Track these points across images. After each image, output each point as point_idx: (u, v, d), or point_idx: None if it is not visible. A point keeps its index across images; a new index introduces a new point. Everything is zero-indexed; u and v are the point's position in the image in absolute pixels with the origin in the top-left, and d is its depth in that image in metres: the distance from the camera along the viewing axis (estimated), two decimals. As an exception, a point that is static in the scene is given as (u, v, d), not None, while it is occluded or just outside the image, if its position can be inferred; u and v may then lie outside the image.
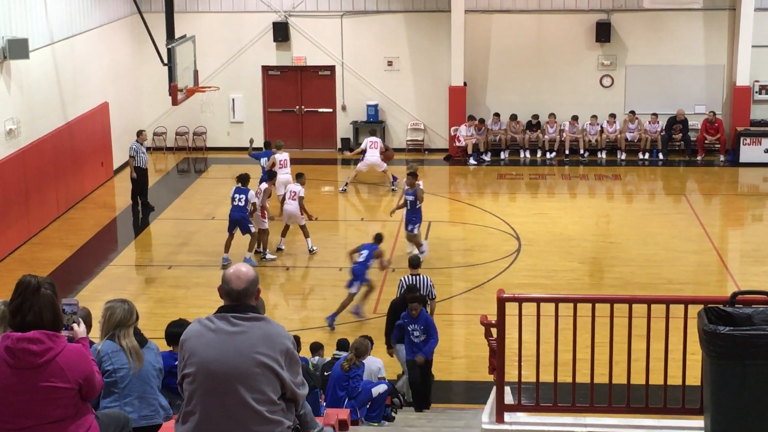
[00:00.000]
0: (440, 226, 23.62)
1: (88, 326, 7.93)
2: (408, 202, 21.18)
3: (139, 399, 7.47)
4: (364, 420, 13.13)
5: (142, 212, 24.71)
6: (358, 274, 18.27)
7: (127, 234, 23.90)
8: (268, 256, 21.63)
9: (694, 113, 29.85)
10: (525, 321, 8.55)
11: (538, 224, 23.60)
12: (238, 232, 21.07)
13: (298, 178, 22.08)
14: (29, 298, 5.74)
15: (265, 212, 21.51)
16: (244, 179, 21.26)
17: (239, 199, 20.94)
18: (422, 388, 14.93)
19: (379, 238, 19.06)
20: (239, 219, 20.96)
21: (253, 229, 21.04)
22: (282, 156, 23.91)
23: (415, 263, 16.49)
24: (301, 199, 21.43)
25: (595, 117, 29.76)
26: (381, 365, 14.20)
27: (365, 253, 18.38)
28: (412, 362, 14.79)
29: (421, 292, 15.48)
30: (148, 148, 30.32)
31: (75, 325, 6.17)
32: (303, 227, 21.72)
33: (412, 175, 21.53)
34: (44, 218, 23.57)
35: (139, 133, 25.08)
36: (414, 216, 21.14)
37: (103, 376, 7.20)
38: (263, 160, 24.06)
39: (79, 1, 25.85)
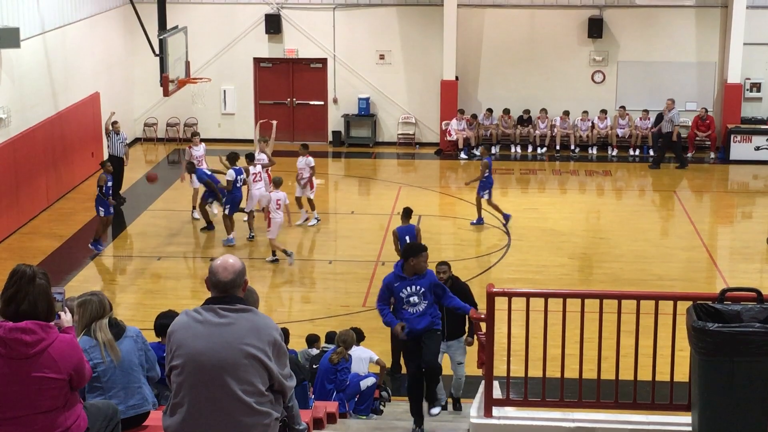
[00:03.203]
0: (430, 220, 23.60)
1: None
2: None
3: (124, 390, 7.44)
4: (352, 413, 13.13)
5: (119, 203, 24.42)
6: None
7: (116, 225, 23.83)
8: (196, 215, 23.17)
9: (685, 110, 29.91)
10: (514, 316, 8.56)
11: (528, 219, 23.61)
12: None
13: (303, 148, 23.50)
14: (24, 287, 5.75)
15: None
16: (232, 158, 21.99)
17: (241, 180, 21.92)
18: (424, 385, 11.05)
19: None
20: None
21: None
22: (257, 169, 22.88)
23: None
24: None
25: (586, 113, 29.80)
26: (372, 353, 14.18)
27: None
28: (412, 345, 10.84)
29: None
30: (138, 139, 30.37)
31: (62, 314, 6.16)
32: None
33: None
34: (34, 208, 23.51)
35: (113, 123, 24.66)
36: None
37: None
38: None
39: (71, -10, 25.82)
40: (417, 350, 10.74)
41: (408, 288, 10.77)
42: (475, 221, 23.09)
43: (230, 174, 21.66)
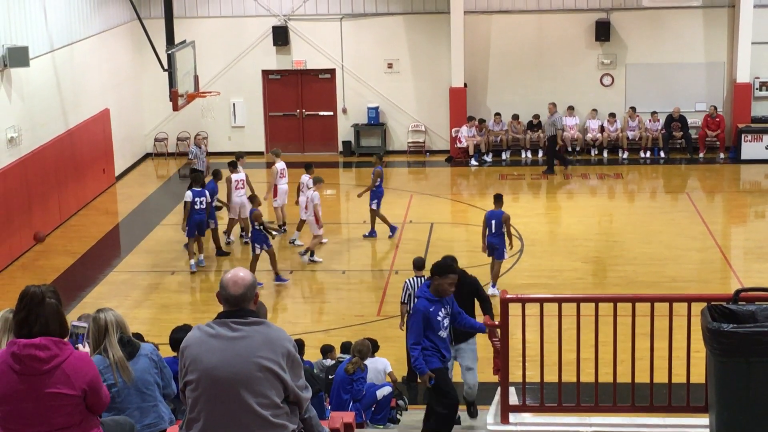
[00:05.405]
0: (442, 227, 23.60)
1: None
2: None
3: (139, 410, 7.41)
4: (369, 423, 13.12)
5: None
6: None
7: (130, 240, 23.89)
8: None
9: (695, 110, 29.87)
10: (528, 321, 8.54)
11: (540, 224, 23.60)
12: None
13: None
14: (35, 309, 5.73)
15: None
16: (196, 179, 21.43)
17: (200, 203, 21.04)
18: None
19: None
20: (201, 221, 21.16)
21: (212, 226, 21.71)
22: (240, 176, 22.49)
23: (419, 265, 16.16)
24: None
25: (595, 111, 29.71)
26: (387, 363, 14.16)
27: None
28: (441, 370, 10.13)
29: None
30: (149, 154, 30.46)
31: (80, 346, 6.19)
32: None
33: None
34: (47, 225, 23.54)
35: (196, 136, 24.74)
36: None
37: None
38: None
39: (79, 8, 25.88)
40: (447, 383, 10.10)
41: (442, 310, 9.96)
42: (367, 234, 22.95)
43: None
